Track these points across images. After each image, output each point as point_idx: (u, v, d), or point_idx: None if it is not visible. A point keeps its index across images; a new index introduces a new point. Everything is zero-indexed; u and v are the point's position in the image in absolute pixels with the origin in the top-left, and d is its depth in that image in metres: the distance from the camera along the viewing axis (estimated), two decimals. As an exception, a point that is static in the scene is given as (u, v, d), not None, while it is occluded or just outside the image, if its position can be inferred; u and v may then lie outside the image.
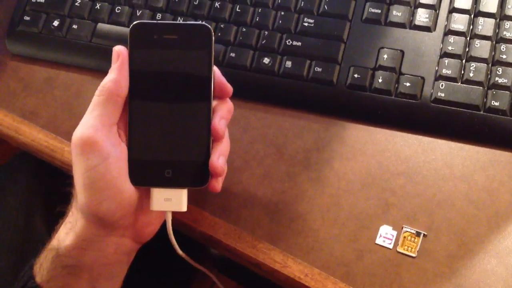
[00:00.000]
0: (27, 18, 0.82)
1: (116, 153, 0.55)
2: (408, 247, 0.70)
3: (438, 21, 0.72)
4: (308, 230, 0.74)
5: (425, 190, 0.74)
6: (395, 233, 0.72)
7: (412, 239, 0.71)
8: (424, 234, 0.71)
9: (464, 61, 0.71)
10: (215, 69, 0.59)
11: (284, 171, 0.78)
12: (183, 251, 0.64)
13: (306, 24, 0.76)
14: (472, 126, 0.71)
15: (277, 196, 0.77)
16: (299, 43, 0.76)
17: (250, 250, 0.73)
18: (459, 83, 0.71)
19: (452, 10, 0.72)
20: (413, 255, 0.70)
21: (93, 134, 0.53)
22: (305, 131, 0.80)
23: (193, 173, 0.60)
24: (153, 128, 0.59)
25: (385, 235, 0.72)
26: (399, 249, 0.70)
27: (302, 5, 0.76)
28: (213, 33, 0.58)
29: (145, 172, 0.58)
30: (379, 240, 0.72)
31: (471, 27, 0.71)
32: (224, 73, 0.60)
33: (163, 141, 0.59)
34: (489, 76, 0.69)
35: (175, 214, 0.62)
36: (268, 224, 0.75)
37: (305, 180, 0.77)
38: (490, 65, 0.70)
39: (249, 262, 0.77)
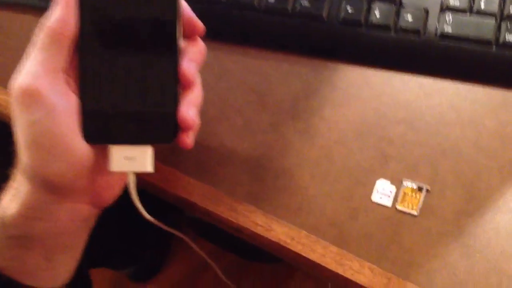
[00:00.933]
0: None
1: (64, 104, 0.50)
2: (409, 204, 0.66)
3: None
4: (295, 188, 0.70)
5: (428, 139, 0.69)
6: (394, 188, 0.68)
7: (414, 195, 0.67)
8: (427, 189, 0.66)
9: (474, -12, 0.64)
10: (184, 3, 0.52)
11: (267, 122, 0.73)
12: (157, 214, 0.59)
13: None
14: (482, 64, 0.65)
15: (259, 150, 0.72)
16: (282, -30, 0.69)
17: (229, 213, 0.69)
18: (469, 15, 0.64)
19: None
20: (415, 213, 0.66)
21: (34, 82, 0.47)
22: (291, 76, 0.75)
23: (158, 127, 0.54)
24: (109, 75, 0.53)
25: (383, 191, 0.68)
26: (399, 207, 0.66)
27: None
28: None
29: (101, 127, 0.53)
30: (375, 197, 0.68)
31: None
32: (194, 10, 0.53)
33: (122, 89, 0.53)
34: (502, 6, 0.63)
35: (141, 175, 0.57)
36: (249, 182, 0.70)
37: (291, 131, 0.73)
38: (504, -9, 0.63)
39: (229, 226, 0.73)
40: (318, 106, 0.72)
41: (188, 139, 0.53)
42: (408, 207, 0.67)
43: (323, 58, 0.72)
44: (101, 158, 0.54)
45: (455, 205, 0.66)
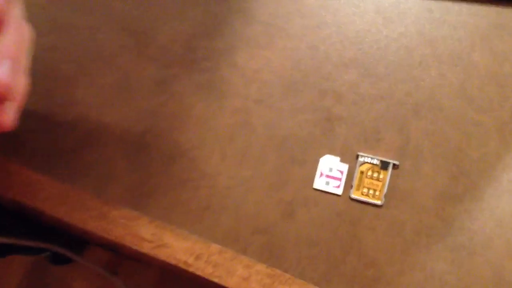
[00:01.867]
0: None
1: None
2: (368, 189, 0.43)
3: None
4: (198, 176, 0.46)
5: (392, 88, 0.45)
6: (345, 167, 0.44)
7: (375, 175, 0.43)
8: (394, 165, 0.43)
9: None
10: None
11: (150, 78, 0.47)
12: None
13: None
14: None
15: (142, 123, 0.47)
16: None
17: (98, 223, 0.44)
18: None
19: None
20: (379, 202, 0.43)
21: None
22: (185, 5, 0.48)
23: None
24: None
25: (329, 173, 0.45)
26: (354, 195, 0.43)
27: None
28: None
29: None
30: (319, 183, 0.45)
31: None
32: None
33: None
34: None
35: None
36: (128, 174, 0.46)
37: (188, 89, 0.47)
38: None
39: (99, 242, 0.48)
40: (227, 49, 0.47)
41: (6, 114, 0.37)
42: (367, 194, 0.44)
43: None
44: None
45: (436, 187, 0.44)
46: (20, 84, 0.37)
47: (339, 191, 0.48)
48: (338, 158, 0.48)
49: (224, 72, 0.50)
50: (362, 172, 0.48)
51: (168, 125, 0.50)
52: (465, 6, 0.50)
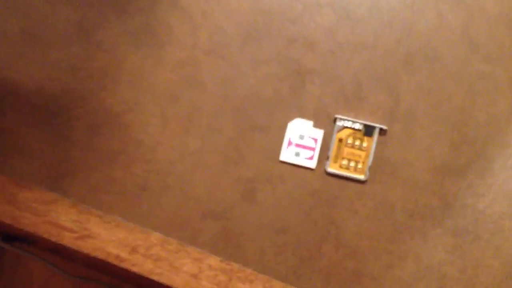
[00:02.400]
0: None
1: None
2: (349, 161, 0.34)
3: None
4: (133, 148, 0.35)
5: (378, 34, 0.36)
6: (319, 133, 0.34)
7: (357, 143, 0.33)
8: (381, 129, 0.33)
9: None
10: None
11: (68, 21, 0.36)
12: None
13: None
14: None
15: (59, 79, 0.37)
16: None
17: (4, 207, 0.34)
18: None
19: None
20: (361, 177, 0.33)
21: None
22: None
23: None
24: None
25: (300, 142, 0.35)
26: (331, 169, 0.34)
27: None
28: None
29: None
30: (287, 154, 0.35)
31: None
32: None
33: None
34: None
35: None
36: (40, 146, 0.36)
37: (118, 35, 0.39)
38: None
39: (7, 233, 0.38)
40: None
41: None
42: (348, 167, 0.34)
43: None
44: None
45: (433, 158, 0.35)
46: None
47: (312, 164, 0.38)
48: (310, 123, 0.38)
49: (163, 14, 0.39)
50: (340, 140, 0.38)
51: (93, 83, 0.39)
52: None
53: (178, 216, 0.38)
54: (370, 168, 0.38)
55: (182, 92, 0.39)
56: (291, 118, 0.38)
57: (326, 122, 0.38)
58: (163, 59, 0.39)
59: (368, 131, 0.38)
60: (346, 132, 0.38)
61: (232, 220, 0.38)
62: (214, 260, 0.37)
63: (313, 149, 0.38)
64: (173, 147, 0.38)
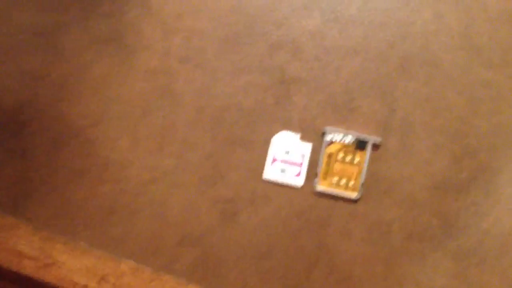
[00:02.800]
0: None
1: None
2: (340, 178, 0.30)
3: None
4: (100, 166, 0.32)
5: (370, 37, 0.32)
6: (307, 148, 0.30)
7: (348, 158, 0.29)
8: (374, 144, 0.29)
9: None
10: None
11: (28, 25, 0.32)
12: None
13: None
14: None
15: (18, 90, 0.32)
16: None
17: None
18: None
19: None
20: (354, 195, 0.29)
21: None
22: None
23: None
24: None
25: (286, 157, 0.31)
26: (320, 186, 0.34)
27: None
28: None
29: None
30: (271, 171, 0.31)
31: None
32: None
33: None
34: None
35: None
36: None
37: (82, 40, 0.33)
38: None
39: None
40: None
41: None
42: (339, 185, 0.30)
43: None
44: None
45: (433, 173, 0.32)
46: None
47: (300, 182, 0.35)
48: (297, 136, 0.35)
49: (133, 18, 0.36)
50: (330, 155, 0.35)
51: (54, 94, 0.35)
52: None
53: (151, 242, 0.34)
54: (363, 186, 0.34)
55: (154, 103, 0.35)
56: (275, 131, 0.35)
57: (314, 135, 0.35)
58: (133, 67, 0.35)
59: (360, 144, 0.35)
60: (336, 146, 0.35)
61: (211, 245, 0.34)
62: (192, 290, 0.34)
63: (300, 165, 0.35)
64: (144, 165, 0.35)
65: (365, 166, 0.35)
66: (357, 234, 0.34)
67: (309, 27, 0.36)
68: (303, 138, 0.35)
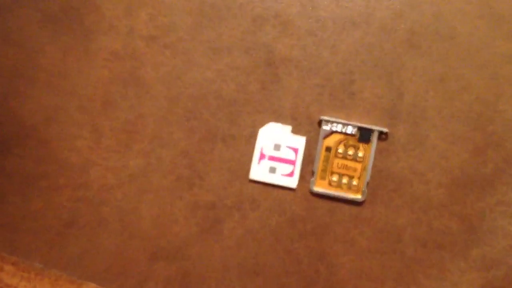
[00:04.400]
0: None
1: None
2: (341, 177, 0.24)
3: None
4: (54, 169, 0.27)
5: (373, 6, 0.27)
6: (301, 141, 0.24)
7: (350, 152, 0.23)
8: (381, 133, 0.23)
9: None
10: None
11: None
12: None
13: None
14: None
15: None
16: None
17: None
18: None
19: None
20: (358, 196, 0.23)
21: None
22: None
23: None
24: None
25: (275, 153, 0.25)
26: (317, 188, 0.29)
27: None
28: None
29: None
30: (259, 170, 0.26)
31: None
32: None
33: None
34: None
35: None
36: None
37: (31, 19, 0.29)
38: None
39: None
40: None
41: None
42: (339, 185, 0.24)
43: None
44: None
45: (451, 168, 0.27)
46: None
47: (293, 183, 0.29)
48: (288, 128, 0.30)
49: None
50: (328, 149, 0.29)
51: (2, 86, 0.30)
52: None
53: (118, 259, 0.29)
54: (369, 185, 0.29)
55: (117, 93, 0.30)
56: (262, 123, 0.30)
57: (308, 126, 0.29)
58: (91, 51, 0.30)
59: (364, 136, 0.29)
60: (336, 138, 0.29)
61: (190, 260, 0.29)
62: (169, 313, 0.28)
63: (293, 162, 0.29)
64: (108, 167, 0.30)
65: (370, 161, 0.30)
66: (362, 243, 0.29)
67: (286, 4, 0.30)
68: (296, 130, 0.30)
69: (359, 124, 0.29)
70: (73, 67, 0.30)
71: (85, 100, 0.30)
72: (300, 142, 0.30)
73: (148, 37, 0.30)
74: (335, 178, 0.29)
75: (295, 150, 0.30)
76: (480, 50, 0.29)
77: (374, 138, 0.29)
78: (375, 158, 0.29)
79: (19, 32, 0.31)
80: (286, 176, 0.30)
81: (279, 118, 0.30)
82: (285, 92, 0.30)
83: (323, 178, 0.29)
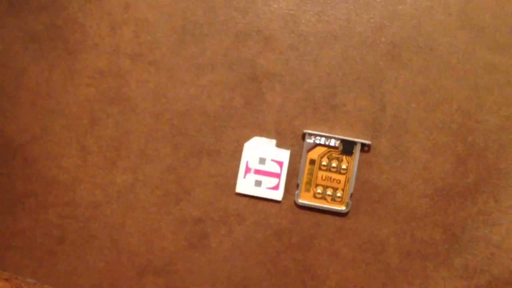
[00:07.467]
0: None
1: None
2: (325, 189, 0.25)
3: None
4: (41, 187, 0.29)
5: (354, 20, 0.27)
6: (285, 154, 0.25)
7: (334, 164, 0.24)
8: (364, 144, 0.24)
9: None
10: None
11: None
12: None
13: None
14: None
15: None
16: None
17: None
18: None
19: None
20: (342, 208, 0.24)
21: None
22: None
23: None
24: None
25: (260, 167, 0.28)
26: (302, 200, 0.31)
27: None
28: None
29: None
30: (244, 184, 0.27)
31: None
32: None
33: None
34: None
35: None
36: None
37: (15, 38, 0.29)
38: None
39: None
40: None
41: None
42: (324, 197, 0.25)
43: None
44: None
45: (433, 178, 0.27)
46: None
47: (278, 195, 0.30)
48: (273, 142, 0.30)
49: (74, 11, 0.30)
50: (313, 162, 0.30)
51: (-9, 106, 0.30)
52: None
53: (108, 274, 0.30)
54: (353, 196, 0.30)
55: (103, 111, 0.30)
56: (247, 137, 0.30)
57: (292, 139, 0.30)
58: (75, 70, 0.30)
59: (347, 148, 0.30)
60: (319, 151, 0.30)
61: (178, 274, 0.30)
62: (159, 327, 0.29)
63: (278, 175, 0.30)
64: (96, 184, 0.30)
65: (353, 173, 0.30)
66: (347, 254, 0.30)
67: (281, 10, 0.31)
68: (280, 144, 0.30)
69: (342, 137, 0.30)
70: (58, 86, 0.30)
71: (71, 119, 0.31)
72: (284, 155, 0.30)
73: (132, 55, 0.30)
74: (319, 190, 0.30)
75: (280, 164, 0.30)
76: (461, 61, 0.30)
77: (357, 150, 0.30)
78: (358, 170, 0.30)
79: (3, 52, 0.31)
80: (272, 189, 0.30)
81: (263, 132, 0.30)
82: (269, 106, 0.30)
83: (307, 190, 0.30)
